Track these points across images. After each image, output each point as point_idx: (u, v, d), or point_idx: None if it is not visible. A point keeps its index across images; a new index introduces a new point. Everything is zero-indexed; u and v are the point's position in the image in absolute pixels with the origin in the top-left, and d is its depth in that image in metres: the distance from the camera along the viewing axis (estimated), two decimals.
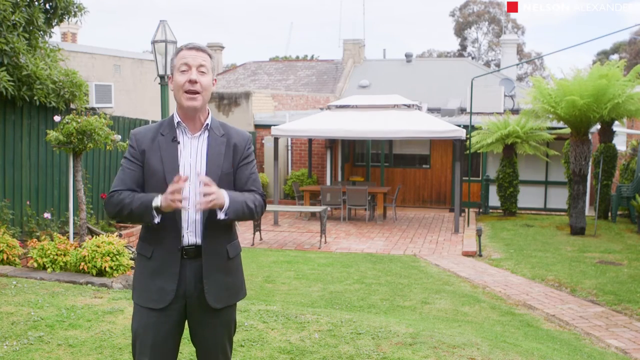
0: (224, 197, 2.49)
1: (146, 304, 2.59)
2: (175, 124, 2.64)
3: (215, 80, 2.71)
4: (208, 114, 2.69)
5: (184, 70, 2.57)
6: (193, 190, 2.58)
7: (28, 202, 7.99)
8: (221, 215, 2.51)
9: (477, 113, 16.23)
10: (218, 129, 2.69)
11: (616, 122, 13.91)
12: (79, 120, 6.87)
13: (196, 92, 2.56)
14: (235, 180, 2.68)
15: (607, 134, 13.71)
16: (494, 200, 15.19)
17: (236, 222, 2.73)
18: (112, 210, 2.59)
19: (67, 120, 6.92)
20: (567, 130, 12.93)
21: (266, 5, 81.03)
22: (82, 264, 6.36)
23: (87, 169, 9.02)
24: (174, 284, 2.56)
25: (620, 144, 17.60)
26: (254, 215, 2.65)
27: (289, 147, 17.12)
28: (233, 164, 2.66)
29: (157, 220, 2.50)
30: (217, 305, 2.61)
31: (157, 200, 2.47)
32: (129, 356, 4.09)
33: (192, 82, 2.55)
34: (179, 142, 2.61)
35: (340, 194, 13.69)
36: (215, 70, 2.71)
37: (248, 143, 2.73)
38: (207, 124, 2.66)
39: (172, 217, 2.54)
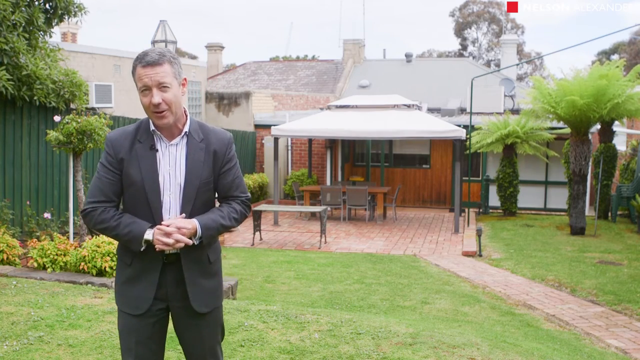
0: (196, 228, 2.47)
1: (125, 310, 2.58)
2: (152, 132, 2.54)
3: (185, 80, 2.56)
4: (186, 119, 2.58)
5: (144, 91, 2.44)
6: (174, 200, 2.53)
7: (28, 202, 7.99)
8: (195, 242, 2.50)
9: (477, 113, 16.23)
10: (197, 132, 2.58)
11: (616, 122, 13.92)
12: (79, 120, 6.87)
13: (163, 111, 2.45)
14: (218, 187, 2.62)
15: (607, 134, 13.71)
16: (494, 200, 15.19)
17: None
18: (92, 226, 2.53)
19: (67, 120, 6.92)
20: (567, 130, 12.93)
21: (266, 5, 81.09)
22: (82, 264, 6.36)
23: (87, 169, 9.01)
24: (152, 292, 2.53)
25: (620, 144, 17.59)
26: (234, 226, 2.65)
27: (289, 147, 17.12)
28: (213, 171, 2.58)
29: (142, 249, 2.48)
30: (203, 309, 2.59)
31: (150, 235, 2.44)
32: None
33: (156, 105, 2.42)
34: (157, 150, 2.52)
35: (340, 194, 13.68)
36: (181, 72, 2.53)
37: (229, 147, 2.63)
38: (186, 131, 2.56)
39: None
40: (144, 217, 2.50)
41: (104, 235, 2.69)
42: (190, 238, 2.47)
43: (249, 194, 2.74)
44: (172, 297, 2.56)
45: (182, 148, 2.55)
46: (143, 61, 2.43)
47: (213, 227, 2.52)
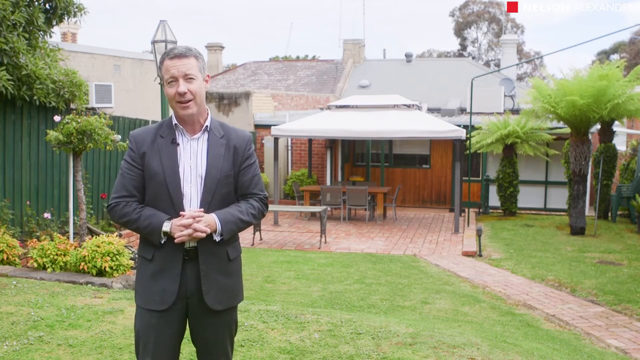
0: (215, 222, 2.53)
1: (148, 306, 2.59)
2: (174, 126, 2.63)
3: (209, 76, 2.69)
4: (207, 114, 2.68)
5: (171, 82, 2.55)
6: (195, 192, 2.58)
7: (28, 202, 7.99)
8: (216, 238, 2.55)
9: (477, 113, 16.22)
10: (218, 130, 2.67)
11: (616, 122, 13.91)
12: (79, 120, 6.87)
13: (188, 101, 2.55)
14: (238, 183, 2.68)
15: (607, 134, 13.71)
16: (494, 200, 15.18)
17: None
18: (116, 220, 2.63)
19: (67, 120, 6.92)
20: (567, 130, 12.93)
21: (266, 5, 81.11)
22: (82, 264, 6.36)
23: (87, 169, 9.01)
24: (176, 285, 2.56)
25: (620, 144, 17.59)
26: (252, 223, 2.70)
27: (289, 147, 17.12)
28: (233, 166, 2.65)
29: (162, 241, 2.54)
30: (216, 306, 2.61)
31: (167, 226, 2.51)
32: (129, 356, 4.09)
33: (181, 94, 2.53)
34: (178, 144, 2.61)
35: (340, 194, 13.68)
36: (205, 68, 2.66)
37: (248, 144, 2.71)
38: (207, 126, 2.65)
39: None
40: (166, 208, 2.56)
41: (128, 229, 2.74)
42: (211, 234, 2.52)
43: (267, 193, 2.77)
44: (191, 294, 2.59)
45: (203, 142, 2.63)
46: (171, 54, 2.56)
47: (232, 220, 2.57)
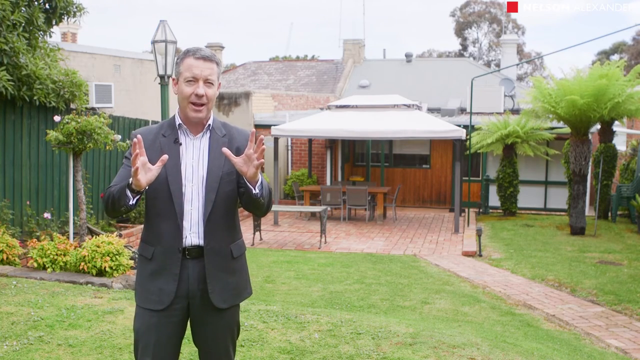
0: (258, 174, 2.49)
1: (146, 305, 2.58)
2: (177, 126, 2.63)
3: (220, 83, 2.70)
4: (210, 115, 2.69)
5: (190, 81, 2.55)
6: (196, 191, 2.57)
7: (28, 202, 7.99)
8: (256, 190, 2.50)
9: (477, 113, 16.22)
10: (220, 129, 2.68)
11: (616, 122, 13.91)
12: (79, 120, 6.88)
13: (202, 104, 2.56)
14: (240, 180, 2.65)
15: (607, 134, 13.71)
16: (494, 200, 15.18)
17: (239, 222, 2.75)
18: (105, 205, 2.58)
19: (67, 120, 6.92)
20: (567, 130, 12.93)
21: (266, 5, 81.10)
22: (82, 264, 6.36)
23: (87, 169, 9.02)
24: (174, 285, 2.55)
25: (620, 144, 17.59)
26: (269, 207, 2.64)
27: (289, 147, 17.11)
28: None
29: (132, 202, 2.46)
30: (222, 305, 2.62)
31: (130, 179, 2.45)
32: (129, 356, 4.09)
33: (199, 96, 2.54)
34: (181, 144, 2.61)
35: (340, 194, 13.68)
36: (220, 76, 2.69)
37: None
38: (209, 125, 2.65)
39: (174, 218, 2.54)
40: (166, 207, 2.55)
41: (115, 213, 2.65)
42: (251, 189, 2.48)
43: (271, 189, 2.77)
44: (193, 294, 2.58)
45: (205, 141, 2.64)
46: (197, 54, 2.56)
47: (266, 186, 2.56)
